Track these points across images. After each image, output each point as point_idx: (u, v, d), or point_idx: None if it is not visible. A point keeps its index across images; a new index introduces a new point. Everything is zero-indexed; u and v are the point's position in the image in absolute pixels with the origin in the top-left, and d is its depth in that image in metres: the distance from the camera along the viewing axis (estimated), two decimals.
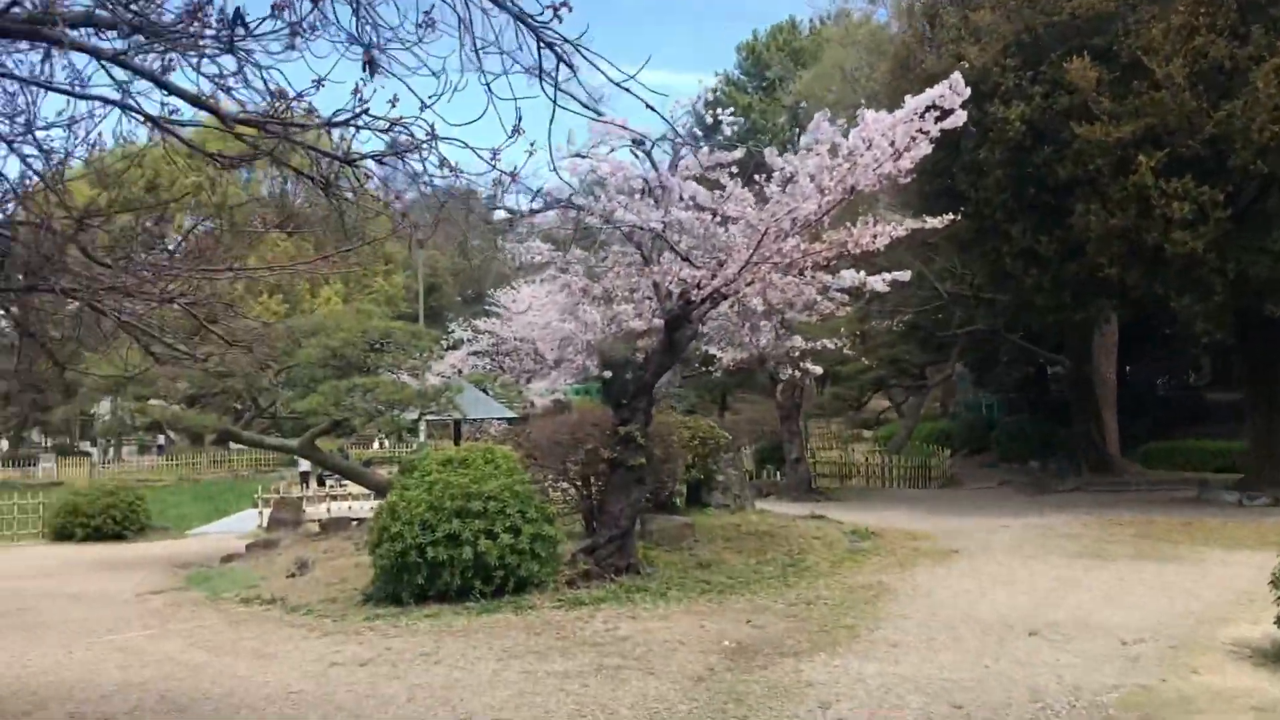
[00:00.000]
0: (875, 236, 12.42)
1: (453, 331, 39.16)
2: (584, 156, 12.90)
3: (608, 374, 13.71)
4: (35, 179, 5.35)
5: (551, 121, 5.10)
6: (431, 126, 4.97)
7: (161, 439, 67.16)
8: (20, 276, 5.55)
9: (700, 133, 13.27)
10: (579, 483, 15.61)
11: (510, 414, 30.85)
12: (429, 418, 22.00)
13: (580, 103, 5.31)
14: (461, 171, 5.25)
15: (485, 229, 79.88)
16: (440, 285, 74.97)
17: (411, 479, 13.91)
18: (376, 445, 50.32)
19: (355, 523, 21.56)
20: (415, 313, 58.41)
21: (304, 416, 19.92)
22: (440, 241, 74.10)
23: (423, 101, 4.74)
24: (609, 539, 13.34)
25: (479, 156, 5.27)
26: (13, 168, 11.29)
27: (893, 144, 12.21)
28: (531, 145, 5.20)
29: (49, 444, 73.50)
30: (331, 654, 10.34)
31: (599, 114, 12.91)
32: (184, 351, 7.04)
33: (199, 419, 17.40)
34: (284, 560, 16.70)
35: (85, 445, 72.18)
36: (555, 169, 12.82)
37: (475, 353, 38.88)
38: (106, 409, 65.49)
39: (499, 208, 13.82)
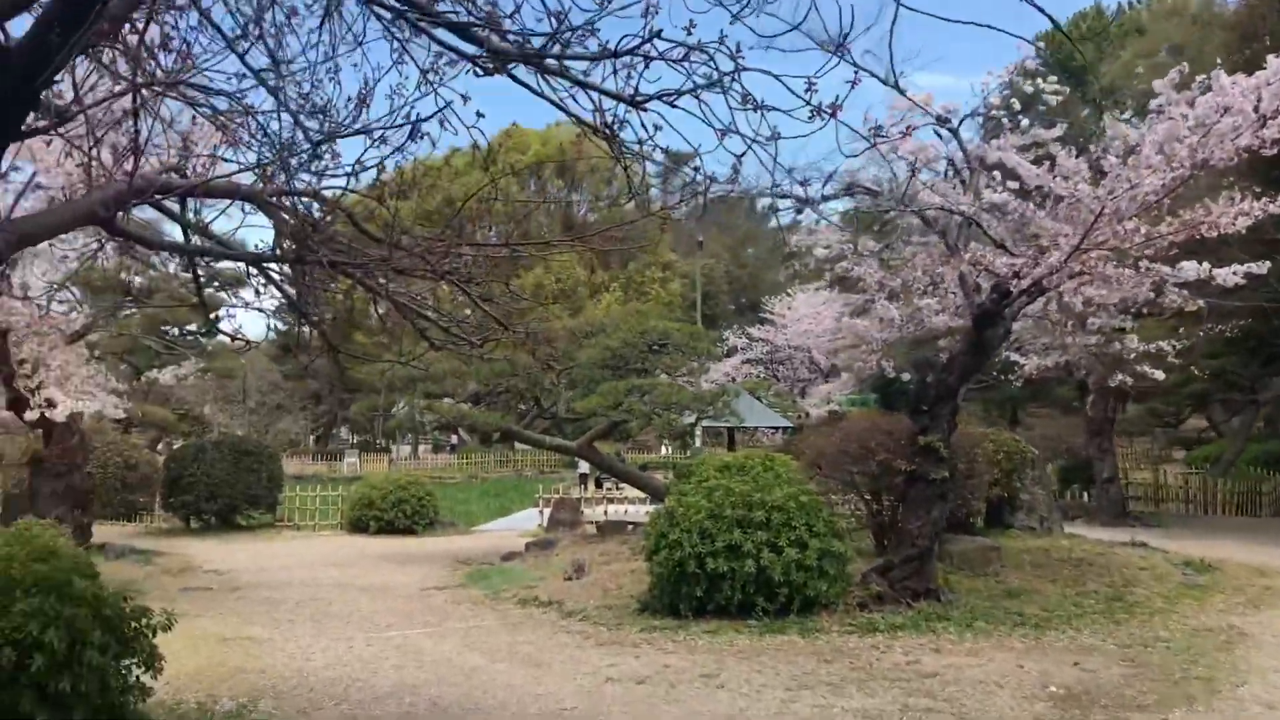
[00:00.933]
0: (1238, 216, 10.46)
1: (726, 339, 38.64)
2: (882, 137, 11.68)
3: (905, 376, 12.40)
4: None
5: (851, 91, 4.21)
6: (736, 48, 4.08)
7: (454, 438, 70.74)
8: (290, 247, 5.11)
9: (1014, 108, 11.64)
10: (868, 496, 14.40)
11: (785, 423, 29.85)
12: (705, 423, 21.31)
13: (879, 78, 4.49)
14: (769, 107, 4.32)
15: (762, 234, 79.00)
16: (715, 293, 74.95)
17: (688, 484, 13.20)
18: (663, 450, 50.57)
19: (631, 527, 21.19)
20: (692, 320, 58.53)
21: (583, 417, 19.75)
22: (715, 248, 73.86)
23: (733, 13, 3.85)
24: (905, 559, 12.05)
25: (790, 90, 4.33)
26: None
27: (1256, 108, 10.30)
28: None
29: (354, 440, 79.20)
30: (606, 667, 9.68)
31: (900, 90, 11.63)
32: (460, 336, 6.51)
33: (484, 417, 17.48)
34: (561, 561, 16.42)
35: (387, 442, 77.27)
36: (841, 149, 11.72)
37: (749, 360, 38.19)
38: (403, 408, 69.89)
39: (785, 196, 12.86)
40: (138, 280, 17.51)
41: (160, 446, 34.83)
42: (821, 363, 37.14)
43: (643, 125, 4.62)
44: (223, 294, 29.00)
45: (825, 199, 11.82)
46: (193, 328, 63.02)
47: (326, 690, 8.79)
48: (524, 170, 64.69)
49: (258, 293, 5.82)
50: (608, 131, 4.62)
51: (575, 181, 68.90)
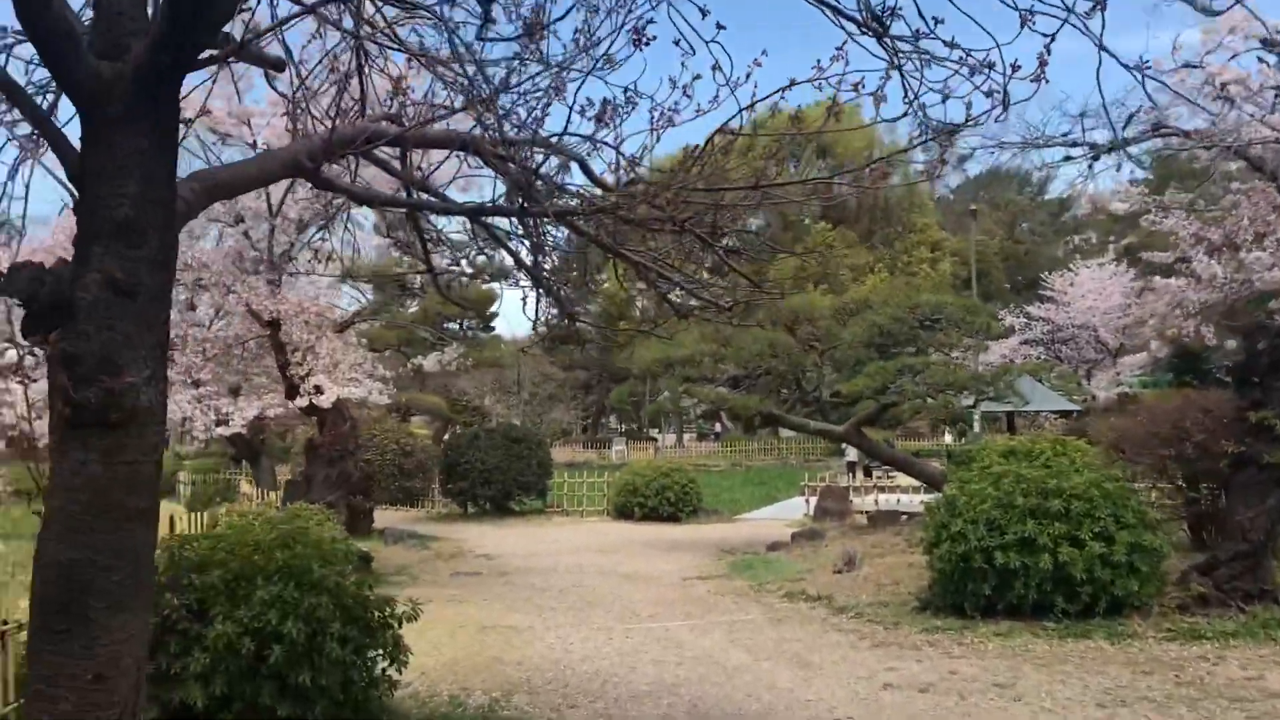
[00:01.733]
0: None
1: (1003, 319, 36.26)
2: (1196, 65, 10.08)
3: (1230, 344, 10.67)
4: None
5: None
6: None
7: (718, 426, 70.75)
8: (519, 202, 4.54)
9: None
10: (1182, 483, 12.66)
11: (1072, 406, 27.53)
12: (984, 406, 19.73)
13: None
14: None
15: (1037, 209, 74.43)
16: (988, 271, 71.09)
17: (969, 472, 11.97)
18: (942, 436, 48.38)
19: (905, 517, 19.91)
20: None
21: (849, 401, 18.70)
22: (987, 224, 69.96)
23: None
24: (1234, 555, 10.34)
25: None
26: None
27: None
28: None
29: (621, 429, 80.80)
30: (884, 671, 8.73)
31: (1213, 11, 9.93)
32: (708, 300, 5.77)
33: (743, 400, 16.78)
34: (830, 553, 15.49)
35: (654, 431, 78.34)
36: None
37: (1027, 341, 35.82)
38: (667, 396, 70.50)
39: (1076, 144, 11.42)
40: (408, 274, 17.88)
41: (447, 436, 36.40)
42: (1109, 341, 34.25)
43: (919, 13, 3.71)
44: (494, 285, 30.03)
45: (1126, 143, 10.34)
46: (470, 322, 66.19)
47: (582, 686, 8.32)
48: (781, 151, 63.37)
49: (482, 251, 5.30)
50: (876, 25, 3.73)
51: (834, 162, 67.07)
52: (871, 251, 66.05)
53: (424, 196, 4.54)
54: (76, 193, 3.32)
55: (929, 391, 16.71)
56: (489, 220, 5.05)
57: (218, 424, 14.70)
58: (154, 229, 3.29)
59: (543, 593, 13.49)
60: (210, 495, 24.09)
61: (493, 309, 73.64)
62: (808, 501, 24.29)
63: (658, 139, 4.61)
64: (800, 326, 17.48)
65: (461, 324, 68.49)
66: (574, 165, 4.82)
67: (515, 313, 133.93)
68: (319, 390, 11.95)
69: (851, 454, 37.86)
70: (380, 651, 6.36)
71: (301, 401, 11.96)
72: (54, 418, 3.18)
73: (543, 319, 6.31)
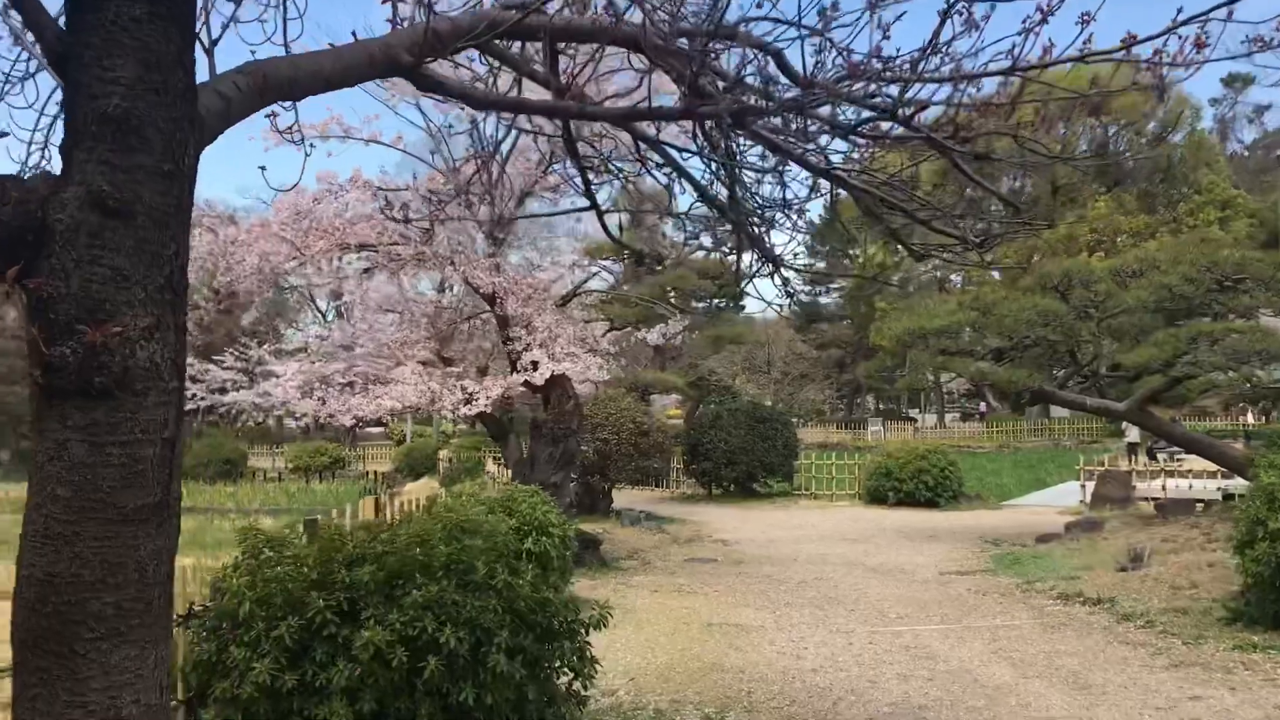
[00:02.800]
0: None
1: None
2: None
3: None
4: None
5: None
6: None
7: (983, 405, 67.06)
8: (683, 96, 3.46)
9: None
10: None
11: None
12: None
13: None
14: None
15: None
16: None
17: None
18: (1249, 416, 43.79)
19: (1200, 505, 17.45)
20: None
21: (1132, 376, 16.50)
22: None
23: None
24: None
25: None
26: None
27: None
28: None
29: (879, 408, 78.16)
30: (1187, 701, 7.08)
31: None
32: (949, 232, 4.48)
33: (1008, 375, 14.96)
34: (1111, 547, 13.54)
35: (913, 411, 75.32)
36: None
37: None
38: (932, 379, 67.39)
39: None
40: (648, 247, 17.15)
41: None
42: None
43: None
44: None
45: None
46: (718, 299, 65.48)
47: (811, 703, 7.15)
48: (1051, 114, 58.83)
49: (643, 164, 4.21)
50: None
51: (1109, 121, 61.59)
52: (1153, 215, 60.45)
53: (564, 101, 3.54)
54: (59, 79, 2.51)
55: (1230, 361, 14.36)
56: (661, 139, 3.97)
57: (465, 402, 14.49)
58: (157, 128, 2.43)
59: (779, 585, 12.37)
60: (458, 473, 24.39)
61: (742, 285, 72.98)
62: (1084, 487, 21.95)
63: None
64: (1074, 291, 15.43)
65: (711, 301, 68.10)
66: (768, 61, 3.68)
67: (768, 287, 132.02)
68: (535, 366, 11.34)
69: (1133, 435, 34.53)
70: (560, 663, 5.45)
71: (518, 378, 11.38)
72: (31, 385, 2.39)
73: (756, 273, 5.15)
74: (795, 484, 25.35)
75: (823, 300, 78.70)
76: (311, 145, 4.65)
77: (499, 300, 11.83)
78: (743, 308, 77.28)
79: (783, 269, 4.62)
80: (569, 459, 12.38)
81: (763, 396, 60.26)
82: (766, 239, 4.73)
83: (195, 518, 19.79)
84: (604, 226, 4.75)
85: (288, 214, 11.27)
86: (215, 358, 19.49)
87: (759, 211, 4.42)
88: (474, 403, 14.24)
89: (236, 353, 18.89)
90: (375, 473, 37.85)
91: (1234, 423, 44.80)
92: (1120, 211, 56.73)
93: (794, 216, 4.52)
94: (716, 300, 52.07)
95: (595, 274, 13.91)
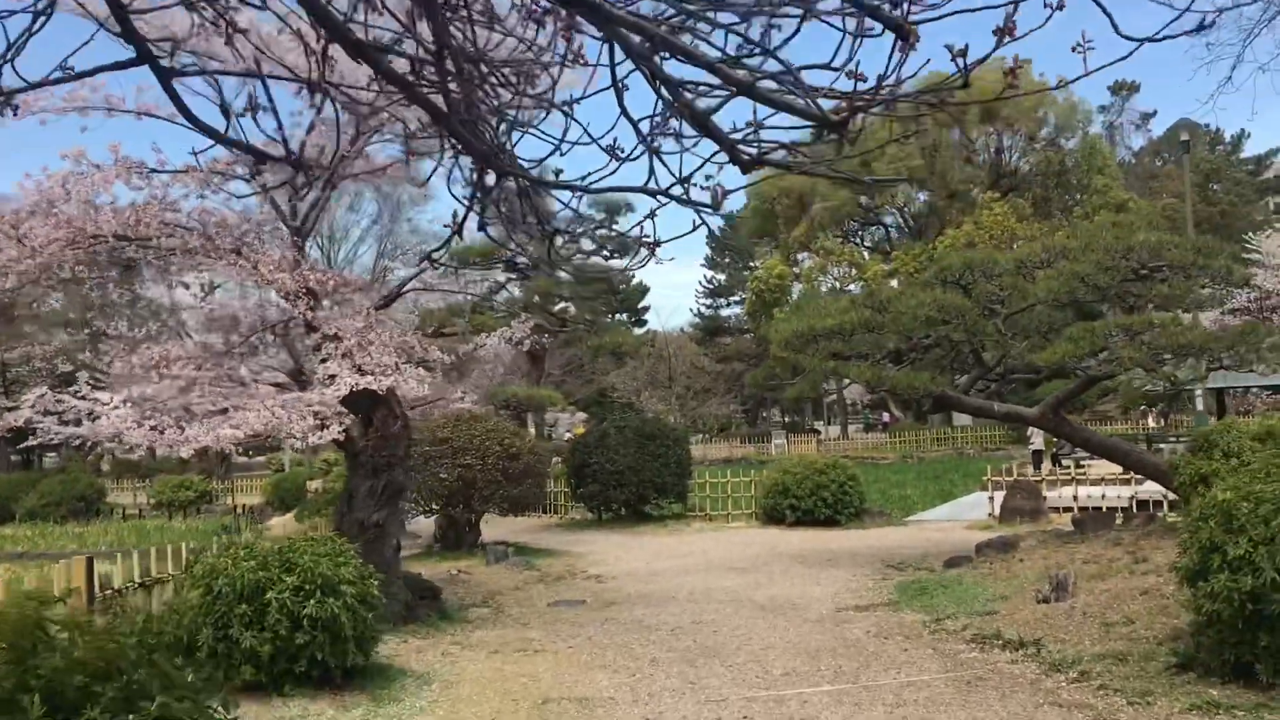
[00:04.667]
0: None
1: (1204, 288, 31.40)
2: None
3: None
4: None
5: None
6: None
7: (885, 415, 66.31)
8: None
9: None
10: None
11: None
12: (1221, 375, 15.69)
13: None
14: None
15: (1232, 166, 68.05)
16: (1180, 234, 64.39)
17: (1222, 463, 8.37)
18: (1150, 420, 43.41)
19: (1119, 515, 16.06)
20: None
21: (1031, 381, 15.04)
22: (1176, 187, 63.48)
23: None
24: None
25: None
26: None
27: None
28: None
29: (784, 421, 77.08)
30: None
31: None
32: (808, 113, 2.64)
33: (908, 379, 13.30)
34: (1029, 572, 11.92)
35: (817, 423, 74.33)
36: None
37: (1232, 310, 31.34)
38: (833, 387, 66.55)
39: None
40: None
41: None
42: None
43: None
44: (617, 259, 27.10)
45: None
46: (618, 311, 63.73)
47: None
48: (945, 120, 58.71)
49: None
50: None
51: (1002, 127, 61.45)
52: (1048, 220, 60.43)
53: None
54: None
55: (1151, 358, 12.91)
56: None
57: (320, 428, 12.31)
58: None
59: (649, 634, 10.42)
60: (320, 507, 21.96)
61: (625, 286, 71.45)
62: (991, 499, 20.52)
63: None
64: (976, 285, 13.86)
65: (612, 315, 66.23)
66: None
67: (666, 302, 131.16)
68: (332, 380, 9.26)
69: (1038, 441, 33.58)
70: None
71: (312, 395, 9.25)
72: None
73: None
74: (689, 504, 23.47)
75: (724, 313, 77.59)
76: None
77: (304, 302, 9.69)
78: (644, 321, 75.89)
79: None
80: (395, 492, 10.27)
81: (667, 412, 58.69)
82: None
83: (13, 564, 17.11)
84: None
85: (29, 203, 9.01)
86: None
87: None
88: (328, 429, 12.08)
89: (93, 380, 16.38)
90: (244, 506, 35.11)
91: (1134, 427, 44.42)
92: (1015, 217, 56.40)
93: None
94: (612, 310, 50.54)
95: (438, 272, 11.88)
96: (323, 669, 7.34)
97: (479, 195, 2.59)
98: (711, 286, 79.15)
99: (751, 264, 71.74)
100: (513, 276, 22.96)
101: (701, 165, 2.55)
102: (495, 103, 2.72)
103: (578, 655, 9.46)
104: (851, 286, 54.65)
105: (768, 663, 8.93)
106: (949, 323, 13.28)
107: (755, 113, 2.56)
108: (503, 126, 2.60)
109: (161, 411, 14.23)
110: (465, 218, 2.67)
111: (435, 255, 8.73)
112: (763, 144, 2.64)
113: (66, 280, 10.49)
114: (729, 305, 78.93)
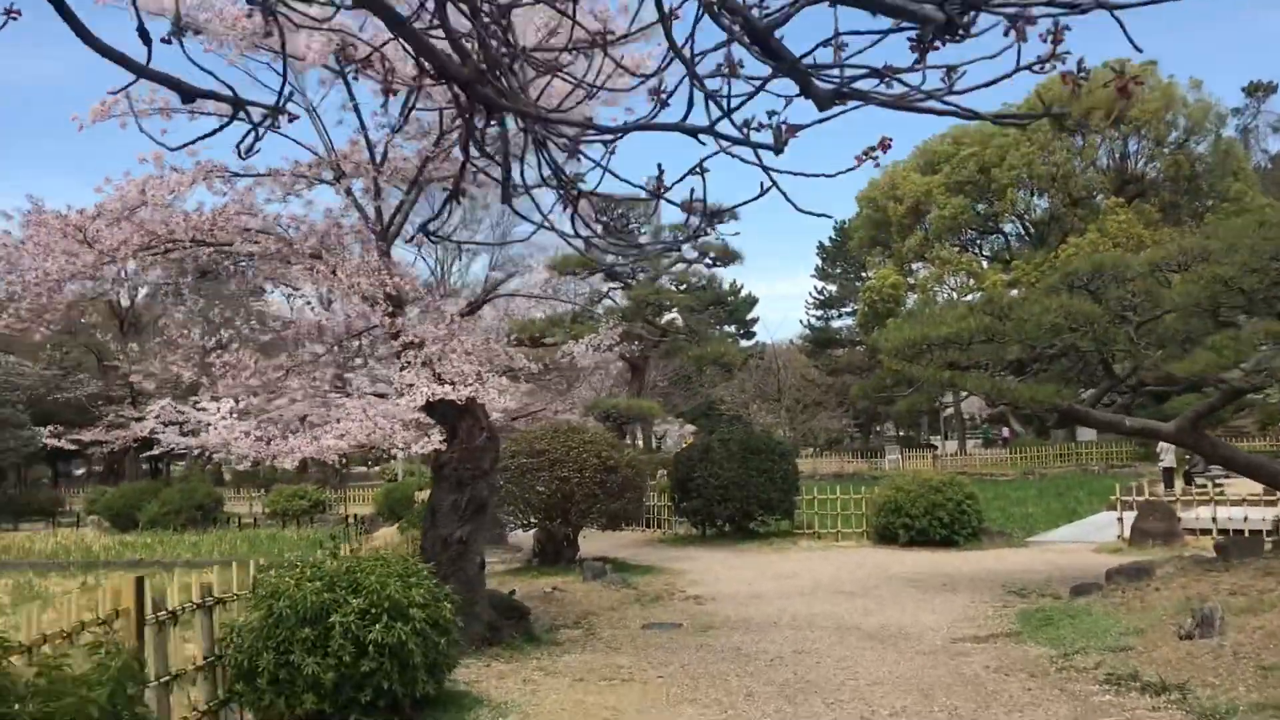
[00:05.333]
0: None
1: None
2: None
3: None
4: None
5: None
6: None
7: (1005, 430, 63.98)
8: None
9: None
10: None
11: None
12: None
13: None
14: None
15: None
16: None
17: None
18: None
19: (1266, 541, 14.71)
20: None
21: (1160, 395, 13.88)
22: None
23: None
24: None
25: None
26: None
27: None
28: None
29: (899, 435, 75.09)
30: None
31: None
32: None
33: (1031, 391, 12.30)
34: (1167, 603, 10.85)
35: (933, 438, 72.19)
36: None
37: None
38: (950, 399, 64.53)
39: None
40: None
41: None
42: None
43: None
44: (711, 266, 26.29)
45: None
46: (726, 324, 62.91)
47: None
48: (1070, 124, 56.41)
49: None
50: None
51: (1128, 130, 58.65)
52: (1177, 228, 57.57)
53: None
54: None
55: None
56: None
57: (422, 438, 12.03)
58: None
59: (746, 664, 9.71)
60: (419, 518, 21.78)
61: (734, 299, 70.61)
62: (1121, 520, 19.19)
63: None
64: (1107, 290, 12.81)
65: (719, 326, 65.36)
66: None
67: (774, 314, 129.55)
68: (410, 388, 8.79)
69: (1169, 458, 31.75)
70: None
71: (410, 402, 8.77)
72: None
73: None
74: (796, 521, 22.62)
75: (835, 324, 75.95)
76: None
77: (382, 307, 9.30)
78: (753, 334, 74.85)
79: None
80: (478, 507, 9.79)
81: (775, 426, 57.60)
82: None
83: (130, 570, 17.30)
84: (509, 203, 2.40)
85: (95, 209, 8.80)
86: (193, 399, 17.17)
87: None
88: (430, 438, 11.74)
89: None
90: (355, 516, 35.42)
91: (1274, 444, 41.89)
92: (1142, 223, 53.81)
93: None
94: (719, 321, 49.78)
95: (527, 276, 11.45)
96: (390, 698, 6.85)
97: (474, 139, 2.00)
98: (822, 297, 77.69)
99: (864, 274, 70.14)
100: (615, 286, 22.50)
101: (754, 94, 1.91)
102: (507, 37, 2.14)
103: (667, 686, 8.81)
104: (969, 297, 52.83)
105: (874, 701, 8.15)
106: (1076, 330, 12.27)
107: (836, 23, 1.92)
108: (503, 51, 2.01)
109: (271, 422, 14.16)
110: (463, 170, 2.09)
111: (432, 227, 8.15)
112: (846, 70, 1.99)
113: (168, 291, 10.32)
114: (840, 316, 77.33)
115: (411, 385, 8.81)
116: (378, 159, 9.47)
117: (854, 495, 22.00)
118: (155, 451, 36.14)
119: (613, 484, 16.57)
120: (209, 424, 15.05)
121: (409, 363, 9.09)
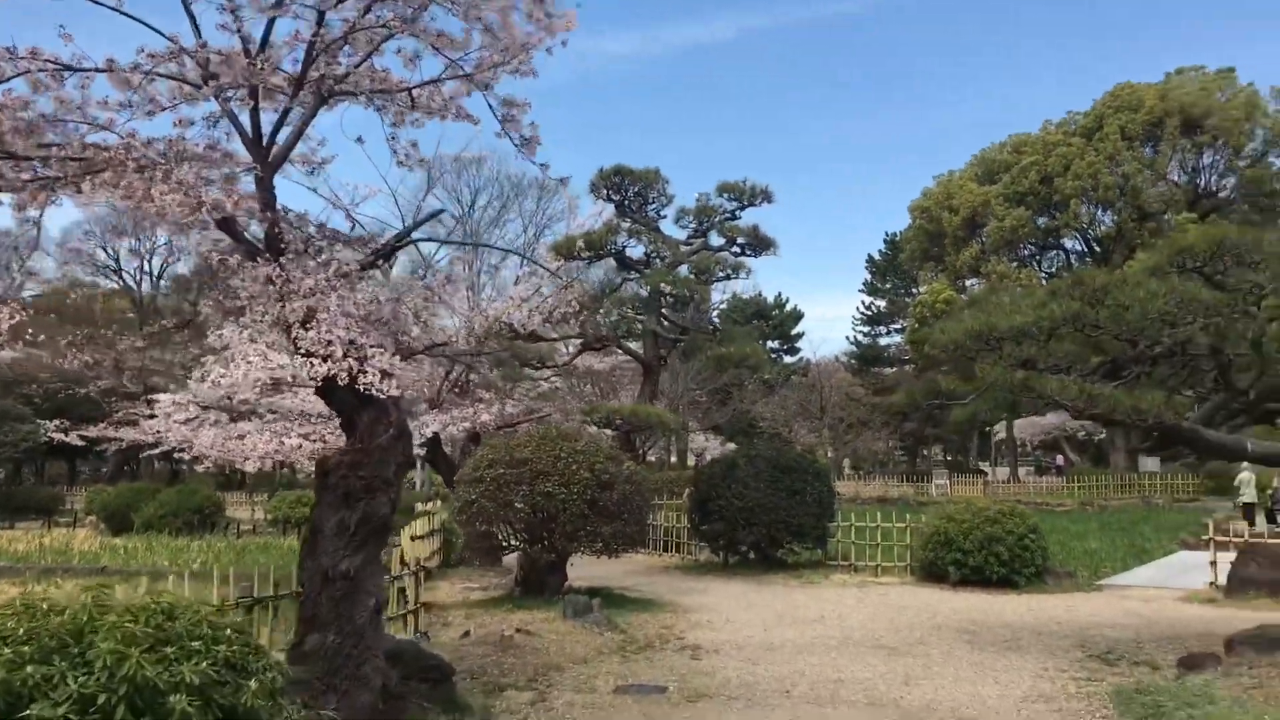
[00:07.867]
0: None
1: None
2: None
3: None
4: None
5: None
6: None
7: (1059, 458, 60.32)
8: None
9: None
10: None
11: None
12: None
13: None
14: None
15: None
16: None
17: None
18: None
19: None
20: None
21: (1256, 413, 10.96)
22: None
23: None
24: None
25: None
26: None
27: None
28: None
29: (946, 459, 71.60)
30: None
31: None
32: None
33: (1134, 399, 9.39)
34: None
35: (983, 463, 68.61)
36: None
37: None
38: (1001, 427, 60.97)
39: None
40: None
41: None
42: None
43: None
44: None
45: None
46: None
47: None
48: (1137, 133, 53.01)
49: None
50: None
51: (1204, 141, 54.94)
52: None
53: None
54: None
55: None
56: None
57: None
58: None
59: None
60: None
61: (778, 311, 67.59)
62: (1213, 565, 16.09)
63: None
64: (1230, 272, 9.89)
65: (763, 340, 62.37)
66: None
67: (818, 331, 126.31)
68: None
69: (1249, 493, 28.47)
70: None
71: (227, 379, 6.14)
72: None
73: None
74: (830, 551, 19.72)
75: (882, 341, 72.60)
76: None
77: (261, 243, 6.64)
78: (797, 349, 71.74)
79: None
80: (375, 530, 7.09)
81: (818, 445, 54.51)
82: None
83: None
84: None
85: None
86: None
87: None
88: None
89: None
90: None
91: None
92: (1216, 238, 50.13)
93: None
94: (761, 335, 46.76)
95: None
96: None
97: None
98: (870, 313, 74.42)
99: (914, 289, 66.81)
100: (629, 276, 19.74)
101: None
102: None
103: None
104: None
105: None
106: (1193, 323, 9.35)
107: None
108: None
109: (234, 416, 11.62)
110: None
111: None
112: None
113: None
114: (888, 334, 74.01)
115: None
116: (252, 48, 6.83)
117: (897, 524, 19.04)
118: (155, 451, 33.44)
119: (606, 502, 13.80)
120: (158, 422, 12.48)
121: (251, 324, 6.45)
